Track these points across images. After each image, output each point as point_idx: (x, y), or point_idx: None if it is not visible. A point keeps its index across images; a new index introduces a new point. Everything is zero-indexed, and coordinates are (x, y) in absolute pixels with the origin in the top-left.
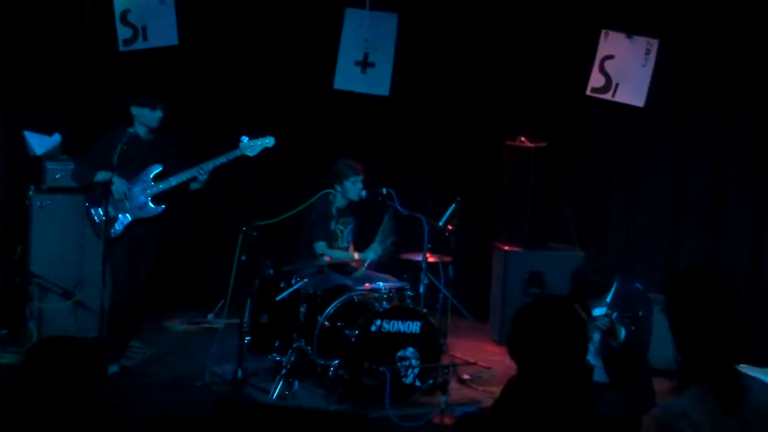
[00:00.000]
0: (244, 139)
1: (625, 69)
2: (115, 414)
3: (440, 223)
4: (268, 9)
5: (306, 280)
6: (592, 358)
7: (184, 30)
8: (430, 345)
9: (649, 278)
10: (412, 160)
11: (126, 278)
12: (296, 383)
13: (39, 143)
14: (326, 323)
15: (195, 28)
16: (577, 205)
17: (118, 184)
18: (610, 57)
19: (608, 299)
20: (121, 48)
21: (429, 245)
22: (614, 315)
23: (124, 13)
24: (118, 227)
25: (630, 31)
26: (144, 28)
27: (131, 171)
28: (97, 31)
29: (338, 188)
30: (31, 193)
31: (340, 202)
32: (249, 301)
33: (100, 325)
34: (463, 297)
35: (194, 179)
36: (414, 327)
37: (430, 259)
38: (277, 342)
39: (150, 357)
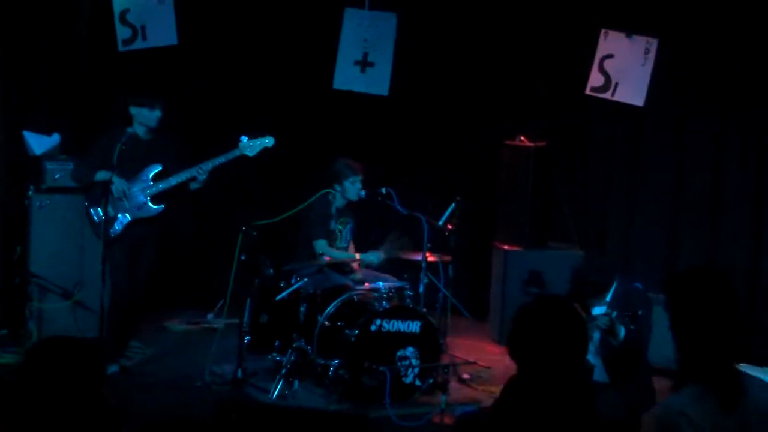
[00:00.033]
0: (244, 138)
1: (624, 68)
2: (115, 414)
3: (440, 223)
4: (267, 9)
5: (306, 279)
6: (591, 357)
7: (183, 30)
8: (430, 344)
9: (649, 277)
10: (412, 159)
11: (125, 278)
12: (296, 383)
13: (38, 143)
14: (326, 323)
15: (194, 27)
16: (577, 205)
17: (118, 184)
18: (609, 56)
19: (608, 298)
20: (121, 48)
21: (429, 245)
22: (614, 314)
23: (124, 13)
24: (117, 227)
25: (629, 30)
26: (143, 28)
27: (131, 171)
28: (97, 31)
29: (337, 188)
30: (30, 193)
31: (339, 201)
32: (249, 300)
33: (100, 325)
34: (462, 296)
35: (194, 179)
36: (414, 326)
37: (430, 259)
38: (277, 342)
39: (149, 357)
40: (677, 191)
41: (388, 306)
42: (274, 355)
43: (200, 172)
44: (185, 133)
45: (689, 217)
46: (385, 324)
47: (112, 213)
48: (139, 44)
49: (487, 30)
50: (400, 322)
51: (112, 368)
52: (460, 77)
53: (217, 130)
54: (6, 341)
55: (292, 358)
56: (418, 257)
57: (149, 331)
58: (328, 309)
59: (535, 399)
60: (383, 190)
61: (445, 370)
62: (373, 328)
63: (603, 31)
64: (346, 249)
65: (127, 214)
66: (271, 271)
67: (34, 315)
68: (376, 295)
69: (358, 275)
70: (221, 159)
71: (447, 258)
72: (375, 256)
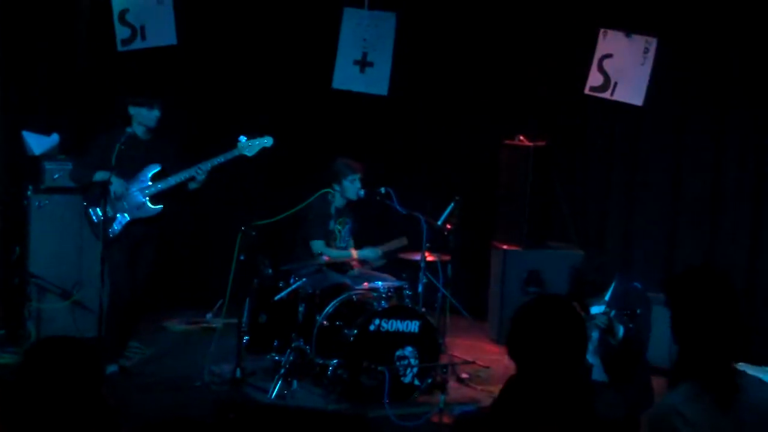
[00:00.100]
0: (243, 138)
1: (623, 68)
2: (114, 414)
3: (439, 222)
4: (266, 8)
5: (304, 279)
6: (590, 356)
7: (182, 29)
8: (429, 344)
9: (648, 277)
10: (411, 159)
11: (124, 278)
12: (295, 383)
13: (37, 143)
14: (325, 323)
15: (193, 27)
16: (576, 204)
17: (117, 184)
18: (608, 56)
19: (606, 298)
20: (120, 48)
21: (428, 244)
22: (612, 313)
23: (123, 13)
24: (116, 227)
25: (629, 29)
26: (142, 28)
27: (129, 171)
28: (96, 31)
29: (337, 188)
30: (29, 193)
31: (338, 201)
32: (247, 300)
33: (99, 325)
34: (461, 296)
35: (192, 179)
36: (413, 326)
37: (429, 258)
38: (276, 341)
39: (149, 357)
40: (676, 191)
41: (386, 306)
42: (273, 354)
43: (199, 172)
44: (184, 133)
45: (688, 216)
46: (383, 324)
47: (110, 213)
48: (138, 44)
49: (487, 30)
50: (398, 321)
51: (111, 368)
52: (459, 77)
53: (216, 130)
54: (5, 341)
55: (291, 357)
56: (417, 257)
57: (148, 331)
58: (327, 309)
59: (534, 399)
60: (382, 190)
61: (444, 370)
62: (371, 327)
63: (602, 30)
64: (345, 249)
65: (126, 214)
66: (270, 270)
67: (32, 315)
68: (374, 294)
69: (356, 271)
70: (220, 159)
71: (446, 257)
72: (372, 252)
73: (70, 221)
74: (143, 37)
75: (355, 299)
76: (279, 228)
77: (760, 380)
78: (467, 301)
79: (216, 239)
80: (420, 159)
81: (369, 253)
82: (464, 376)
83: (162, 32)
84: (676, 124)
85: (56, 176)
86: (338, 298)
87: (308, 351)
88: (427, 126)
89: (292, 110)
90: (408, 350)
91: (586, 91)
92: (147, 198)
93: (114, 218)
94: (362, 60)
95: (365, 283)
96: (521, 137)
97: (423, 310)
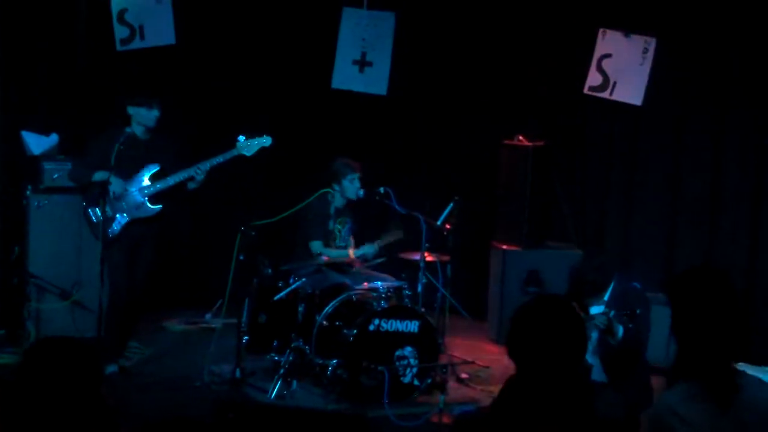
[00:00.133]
0: (241, 138)
1: (622, 67)
2: (113, 414)
3: (438, 222)
4: (265, 8)
5: (304, 279)
6: (589, 356)
7: (181, 29)
8: (429, 344)
9: (647, 277)
10: (411, 159)
11: (124, 278)
12: (294, 383)
13: (36, 143)
14: (324, 323)
15: (192, 27)
16: (575, 204)
17: (116, 184)
18: (607, 56)
19: (606, 297)
20: (119, 47)
21: (427, 244)
22: (612, 313)
23: (122, 13)
24: (115, 227)
25: (628, 29)
26: (141, 28)
27: (129, 171)
28: (95, 31)
29: (336, 187)
30: (28, 193)
31: (338, 201)
32: (247, 300)
33: (98, 325)
34: (461, 296)
35: (191, 179)
36: (412, 326)
37: (429, 259)
38: (276, 342)
39: (148, 357)
40: (676, 191)
41: (386, 306)
42: (273, 355)
43: (198, 172)
44: (183, 133)
45: (688, 216)
46: (383, 324)
47: (110, 213)
48: (137, 44)
49: (486, 29)
50: (398, 321)
51: (111, 368)
52: (458, 77)
53: (214, 129)
54: (4, 341)
55: (291, 357)
56: (417, 257)
57: (148, 331)
58: (327, 309)
59: (533, 399)
60: (381, 190)
61: (444, 370)
62: (371, 327)
63: (601, 30)
64: (345, 249)
65: (125, 214)
66: (270, 270)
67: (32, 315)
68: (374, 294)
69: (355, 270)
70: (219, 159)
71: (445, 258)
72: (370, 248)
73: (69, 221)
74: (142, 37)
75: (354, 299)
76: (278, 228)
77: (760, 380)
78: (467, 301)
79: (215, 239)
80: (419, 159)
81: (366, 249)
82: (464, 376)
83: (161, 32)
84: (675, 124)
85: (55, 176)
86: (338, 298)
87: (308, 351)
88: (427, 126)
89: (292, 110)
90: (407, 350)
91: (585, 91)
92: (146, 198)
93: (113, 218)
94: (361, 60)
95: (365, 283)
96: (521, 137)
97: (422, 310)
